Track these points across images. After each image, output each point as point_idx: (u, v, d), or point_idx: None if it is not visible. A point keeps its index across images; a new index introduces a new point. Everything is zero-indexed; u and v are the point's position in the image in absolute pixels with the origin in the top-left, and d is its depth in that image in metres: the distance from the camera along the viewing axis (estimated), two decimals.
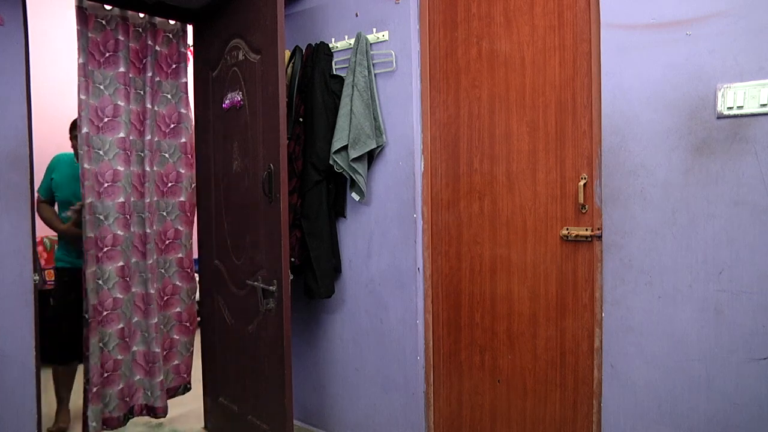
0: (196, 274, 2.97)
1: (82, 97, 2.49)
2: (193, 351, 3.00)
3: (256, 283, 2.30)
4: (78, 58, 2.47)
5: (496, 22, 2.18)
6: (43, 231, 4.30)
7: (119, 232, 2.65)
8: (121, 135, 2.62)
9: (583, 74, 1.96)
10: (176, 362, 2.96)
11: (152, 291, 2.76)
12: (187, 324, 2.95)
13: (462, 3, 2.27)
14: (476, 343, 2.29)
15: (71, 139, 2.88)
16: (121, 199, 2.64)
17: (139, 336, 2.75)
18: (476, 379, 2.30)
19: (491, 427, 2.27)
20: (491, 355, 2.25)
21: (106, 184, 2.61)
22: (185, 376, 2.99)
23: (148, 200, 2.74)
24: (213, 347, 2.76)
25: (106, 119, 2.60)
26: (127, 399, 2.73)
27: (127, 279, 2.69)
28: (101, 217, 2.60)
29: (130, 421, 2.79)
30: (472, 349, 2.31)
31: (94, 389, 2.55)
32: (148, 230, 2.75)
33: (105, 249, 2.61)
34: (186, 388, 3.02)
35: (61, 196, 2.88)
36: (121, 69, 2.59)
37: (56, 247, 3.00)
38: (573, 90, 2.00)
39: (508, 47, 2.18)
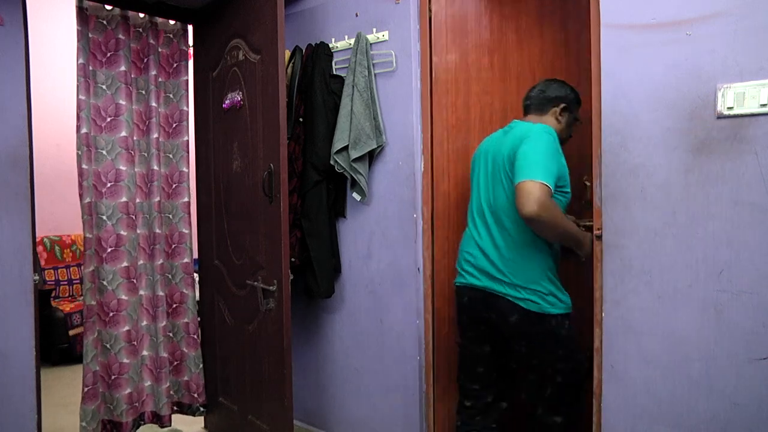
0: (196, 275, 2.94)
1: (82, 97, 2.48)
2: (203, 367, 2.86)
3: (256, 283, 2.30)
4: (78, 59, 2.47)
5: (508, 38, 2.25)
6: (43, 231, 4.31)
7: (123, 233, 2.62)
8: (124, 134, 2.61)
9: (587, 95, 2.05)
10: (185, 378, 2.87)
11: (160, 294, 2.74)
12: (194, 336, 2.86)
13: (472, 11, 2.32)
14: None
15: (570, 117, 2.14)
16: (124, 199, 2.62)
17: (148, 341, 2.70)
18: None
19: None
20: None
21: (109, 184, 2.59)
22: (196, 395, 2.85)
23: (156, 200, 2.73)
24: (213, 347, 2.76)
25: (108, 119, 2.59)
26: (137, 404, 2.67)
27: (134, 281, 2.67)
28: (104, 217, 2.58)
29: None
30: None
31: (86, 389, 2.51)
32: (157, 231, 2.73)
33: (109, 249, 2.59)
34: (199, 410, 2.86)
35: (569, 189, 2.04)
36: (123, 68, 2.59)
37: (551, 280, 2.01)
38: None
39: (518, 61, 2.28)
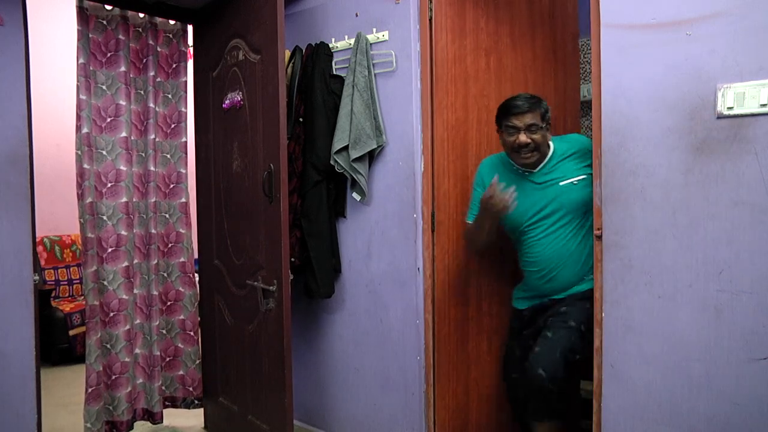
0: (197, 275, 2.94)
1: (83, 97, 2.49)
2: (200, 363, 2.89)
3: (256, 283, 2.30)
4: (78, 59, 2.47)
5: (503, 42, 2.31)
6: (43, 231, 4.31)
7: (123, 233, 2.63)
8: (124, 134, 2.62)
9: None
10: (180, 372, 2.90)
11: (155, 293, 2.75)
12: (191, 333, 2.88)
13: (470, 14, 2.33)
14: (484, 331, 2.46)
15: (498, 131, 2.21)
16: (125, 199, 2.63)
17: (141, 339, 2.72)
18: (484, 364, 2.49)
19: (498, 402, 2.48)
20: (499, 338, 2.45)
21: (109, 184, 2.60)
22: (191, 389, 2.90)
23: (153, 200, 2.73)
24: (213, 347, 2.76)
25: (108, 119, 2.59)
26: (132, 402, 2.70)
27: (132, 280, 2.68)
28: (104, 217, 2.59)
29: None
30: (480, 337, 2.45)
31: (90, 390, 2.53)
32: (152, 231, 2.74)
33: (109, 249, 2.59)
34: (194, 402, 2.90)
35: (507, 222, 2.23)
36: (123, 68, 2.59)
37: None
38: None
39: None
